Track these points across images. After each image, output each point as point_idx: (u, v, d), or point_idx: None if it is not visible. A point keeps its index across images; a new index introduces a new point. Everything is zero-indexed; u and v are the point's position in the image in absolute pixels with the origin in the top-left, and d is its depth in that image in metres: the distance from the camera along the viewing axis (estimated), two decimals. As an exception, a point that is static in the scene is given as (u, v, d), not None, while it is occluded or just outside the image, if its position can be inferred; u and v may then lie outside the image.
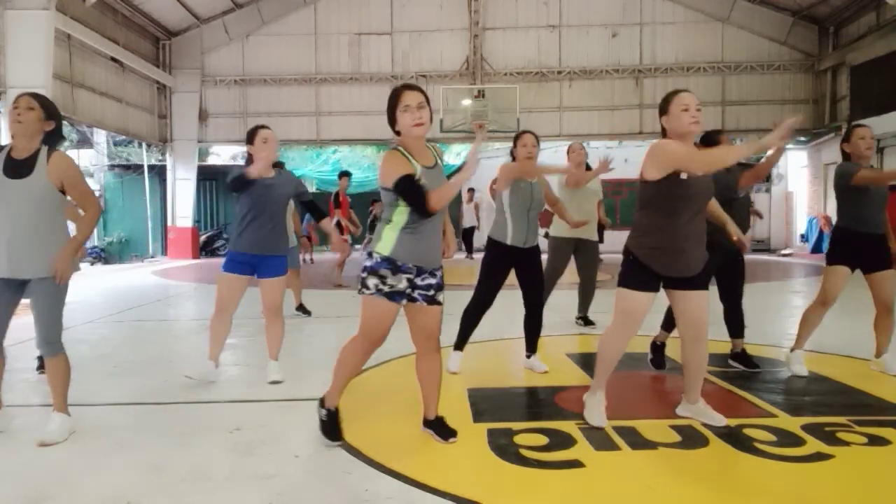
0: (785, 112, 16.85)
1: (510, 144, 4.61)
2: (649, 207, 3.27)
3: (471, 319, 4.44)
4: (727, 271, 4.42)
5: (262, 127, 4.19)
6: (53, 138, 3.23)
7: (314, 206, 4.49)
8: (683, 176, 3.13)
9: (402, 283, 2.96)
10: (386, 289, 2.94)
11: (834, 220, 4.53)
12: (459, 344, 4.47)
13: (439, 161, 3.09)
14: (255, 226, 4.13)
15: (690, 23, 16.82)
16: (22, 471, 2.88)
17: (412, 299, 3.05)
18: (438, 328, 3.14)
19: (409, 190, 2.86)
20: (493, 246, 4.42)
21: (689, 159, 3.09)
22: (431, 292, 3.06)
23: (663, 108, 3.25)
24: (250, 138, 4.13)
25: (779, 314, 7.35)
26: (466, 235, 16.16)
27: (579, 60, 17.01)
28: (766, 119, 15.90)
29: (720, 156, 3.17)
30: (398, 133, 2.99)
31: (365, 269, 2.99)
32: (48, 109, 3.17)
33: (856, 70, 15.23)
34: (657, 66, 16.91)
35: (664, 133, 3.27)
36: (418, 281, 3.02)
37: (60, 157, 3.18)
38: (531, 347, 4.57)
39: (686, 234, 3.20)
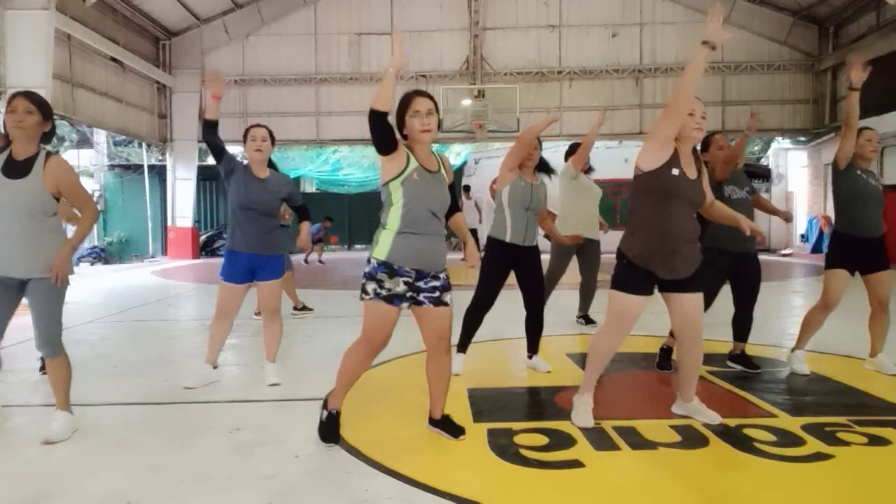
0: (785, 112, 16.91)
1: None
2: (640, 207, 3.28)
3: (472, 320, 4.44)
4: (740, 274, 4.40)
5: (254, 126, 4.18)
6: (48, 136, 3.24)
7: (304, 210, 4.50)
8: (675, 171, 3.15)
9: (399, 287, 2.98)
10: (384, 293, 2.97)
11: (834, 221, 4.55)
12: (462, 345, 4.46)
13: (443, 170, 3.11)
14: (247, 222, 4.07)
15: (690, 23, 16.79)
16: (22, 470, 2.88)
17: (418, 302, 3.06)
18: (449, 329, 3.16)
19: (373, 119, 2.84)
20: (492, 244, 4.43)
21: (667, 111, 3.07)
22: (437, 294, 3.07)
23: None
24: (243, 138, 4.15)
25: (779, 314, 7.35)
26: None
27: (579, 60, 17.01)
28: (766, 119, 15.90)
29: (681, 83, 3.02)
30: (405, 136, 3.03)
31: (364, 274, 3.03)
32: (45, 111, 3.16)
33: (856, 70, 15.21)
34: (657, 66, 16.92)
35: None
36: (421, 284, 3.04)
37: (58, 163, 3.16)
38: (533, 348, 4.57)
39: (678, 235, 3.20)
